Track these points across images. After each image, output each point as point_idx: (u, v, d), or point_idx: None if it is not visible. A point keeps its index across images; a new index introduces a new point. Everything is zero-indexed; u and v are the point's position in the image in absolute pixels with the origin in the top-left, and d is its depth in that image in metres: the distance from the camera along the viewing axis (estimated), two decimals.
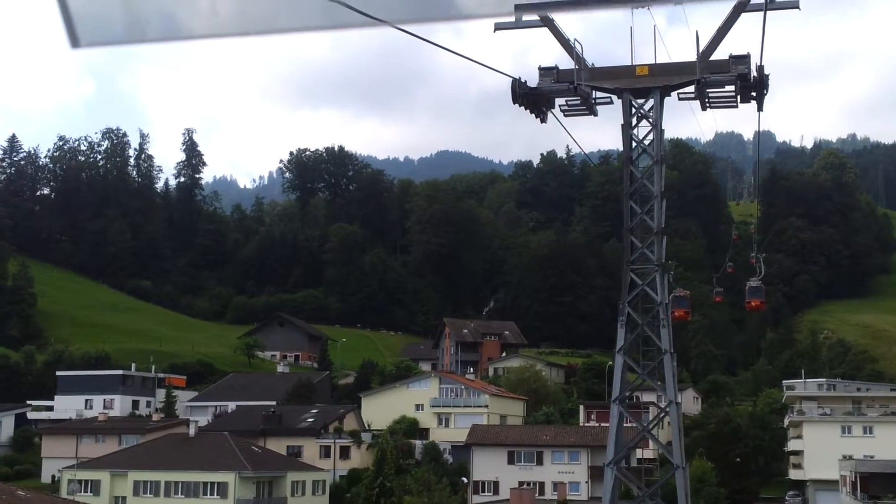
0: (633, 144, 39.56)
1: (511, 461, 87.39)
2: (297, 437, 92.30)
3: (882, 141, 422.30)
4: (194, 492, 72.69)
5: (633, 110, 38.44)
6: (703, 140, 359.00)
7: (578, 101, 38.01)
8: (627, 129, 38.83)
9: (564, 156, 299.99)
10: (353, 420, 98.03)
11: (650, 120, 38.40)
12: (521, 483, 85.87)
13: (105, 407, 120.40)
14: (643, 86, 37.40)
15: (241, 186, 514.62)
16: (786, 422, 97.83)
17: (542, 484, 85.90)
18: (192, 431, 78.89)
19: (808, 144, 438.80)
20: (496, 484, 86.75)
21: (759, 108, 37.39)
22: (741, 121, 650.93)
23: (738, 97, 36.90)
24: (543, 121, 37.43)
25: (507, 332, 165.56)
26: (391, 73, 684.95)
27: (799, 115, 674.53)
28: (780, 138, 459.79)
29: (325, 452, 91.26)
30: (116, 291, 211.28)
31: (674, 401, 37.04)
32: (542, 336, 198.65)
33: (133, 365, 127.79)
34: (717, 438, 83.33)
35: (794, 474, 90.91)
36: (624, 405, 42.25)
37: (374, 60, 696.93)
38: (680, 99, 38.23)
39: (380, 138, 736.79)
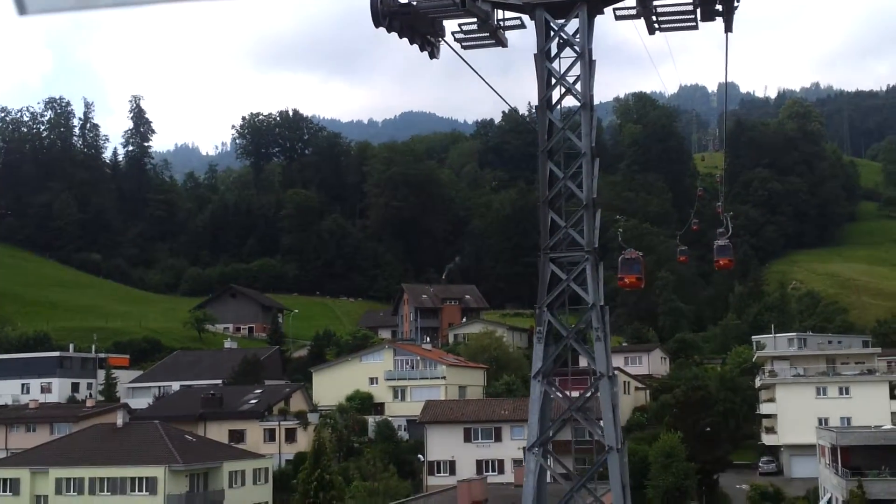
0: (552, 81, 29.26)
1: (468, 438, 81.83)
2: (240, 420, 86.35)
3: (845, 89, 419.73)
4: (121, 488, 66.69)
5: (552, 33, 28.47)
6: (667, 94, 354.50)
7: (475, 26, 27.76)
8: (542, 59, 28.84)
9: (527, 112, 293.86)
10: (301, 399, 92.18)
11: (575, 47, 28.46)
12: (478, 462, 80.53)
13: (42, 391, 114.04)
14: None
15: (203, 153, 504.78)
16: (757, 382, 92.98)
17: (500, 462, 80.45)
18: (119, 421, 72.69)
19: (773, 95, 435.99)
20: (452, 464, 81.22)
21: (728, 28, 27.69)
22: (705, 72, 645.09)
23: (698, 11, 27.17)
24: (433, 55, 28.10)
25: (467, 297, 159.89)
26: (354, 34, 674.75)
27: (762, 65, 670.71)
28: (743, 89, 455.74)
29: (270, 436, 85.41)
30: (64, 266, 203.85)
31: (605, 374, 29.33)
32: (506, 298, 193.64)
33: (71, 346, 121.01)
34: (686, 406, 78.38)
35: (767, 439, 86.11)
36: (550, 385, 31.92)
37: (337, 23, 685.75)
38: (618, 18, 28.22)
39: (345, 102, 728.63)
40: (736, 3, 26.72)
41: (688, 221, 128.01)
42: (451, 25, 28.21)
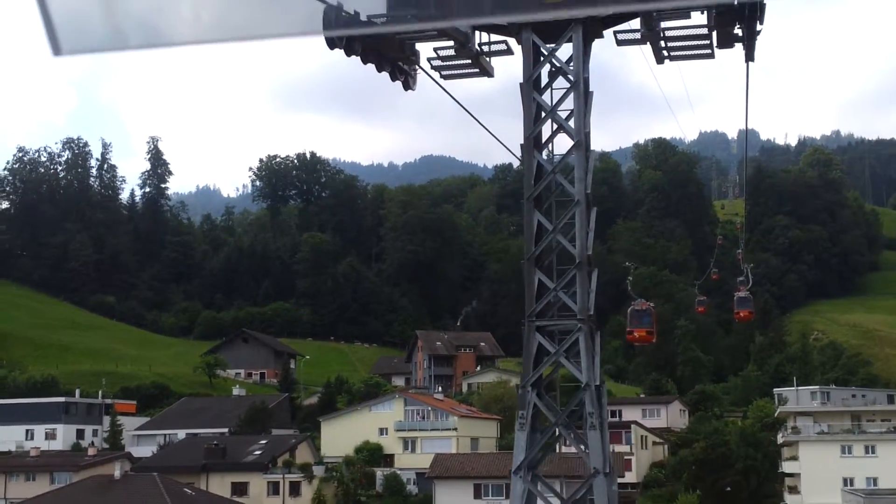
0: (542, 115, 25.08)
1: (478, 495, 78.82)
2: (243, 472, 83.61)
3: (867, 137, 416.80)
4: None
5: (541, 59, 24.24)
6: (686, 140, 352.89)
7: (453, 52, 23.17)
8: (529, 89, 24.34)
9: (545, 157, 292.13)
10: (308, 450, 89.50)
11: (569, 76, 24.26)
12: None
13: (47, 437, 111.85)
14: (555, 18, 22.24)
15: (225, 195, 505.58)
16: (779, 438, 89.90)
17: None
18: (118, 472, 70.30)
19: (793, 142, 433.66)
20: None
21: (749, 56, 22.93)
22: (725, 118, 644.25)
23: (714, 36, 22.66)
24: (408, 85, 23.60)
25: (482, 344, 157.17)
26: (375, 77, 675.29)
27: (782, 113, 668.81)
28: (764, 136, 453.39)
29: (275, 489, 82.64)
30: (78, 308, 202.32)
31: (601, 471, 25.19)
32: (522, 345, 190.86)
33: (77, 391, 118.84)
34: (706, 464, 75.27)
35: (790, 500, 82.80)
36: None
37: (358, 65, 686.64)
38: (620, 43, 24.16)
39: (365, 145, 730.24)
40: (759, 27, 21.82)
41: (707, 270, 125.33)
42: (427, 51, 23.78)
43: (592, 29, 23.93)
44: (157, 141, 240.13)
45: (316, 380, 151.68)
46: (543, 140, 25.81)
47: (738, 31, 22.24)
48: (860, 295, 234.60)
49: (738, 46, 23.07)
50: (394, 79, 22.82)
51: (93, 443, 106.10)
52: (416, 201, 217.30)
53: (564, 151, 25.69)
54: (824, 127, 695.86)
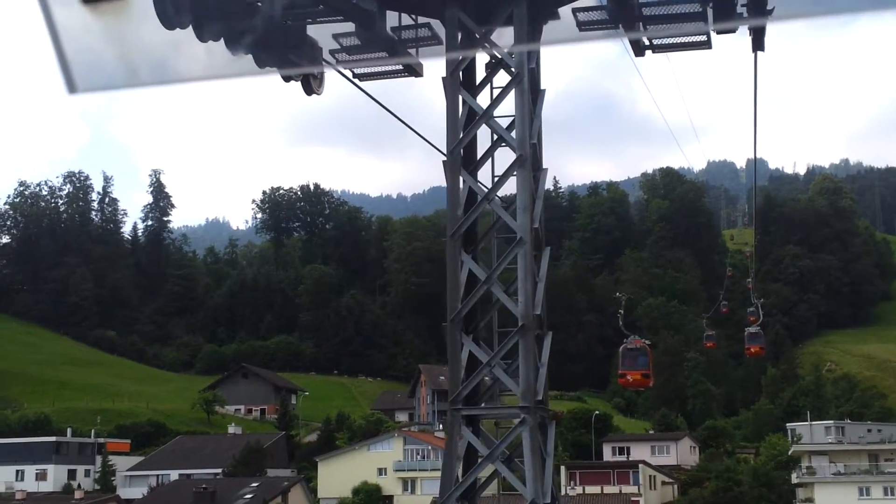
0: (476, 118, 18.56)
1: None
2: None
3: (876, 165, 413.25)
4: None
5: (470, 42, 17.50)
6: (694, 170, 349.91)
7: (360, 41, 15.92)
8: (454, 85, 18.01)
9: (551, 187, 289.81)
10: (301, 493, 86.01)
11: (511, 68, 18.27)
12: None
13: (38, 478, 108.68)
14: None
15: (234, 228, 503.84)
16: (794, 478, 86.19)
17: None
18: None
19: (802, 171, 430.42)
20: None
21: (757, 45, 16.44)
22: (734, 148, 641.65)
23: (710, 12, 15.25)
24: (310, 89, 16.00)
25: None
26: (381, 110, 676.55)
27: (791, 142, 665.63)
28: (772, 165, 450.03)
29: None
30: (79, 344, 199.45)
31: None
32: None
33: (69, 430, 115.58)
34: None
35: None
36: None
37: (365, 98, 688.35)
38: (582, 26, 16.78)
39: (374, 177, 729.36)
40: (768, 8, 13.83)
41: (717, 303, 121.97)
42: (326, 40, 15.88)
43: (541, 5, 17.35)
44: (160, 174, 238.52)
45: (318, 415, 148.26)
46: (478, 156, 19.37)
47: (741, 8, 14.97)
48: (873, 325, 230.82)
49: (742, 31, 16.53)
50: (287, 80, 15.91)
51: (79, 485, 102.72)
52: (420, 232, 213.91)
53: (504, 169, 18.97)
54: (833, 156, 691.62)
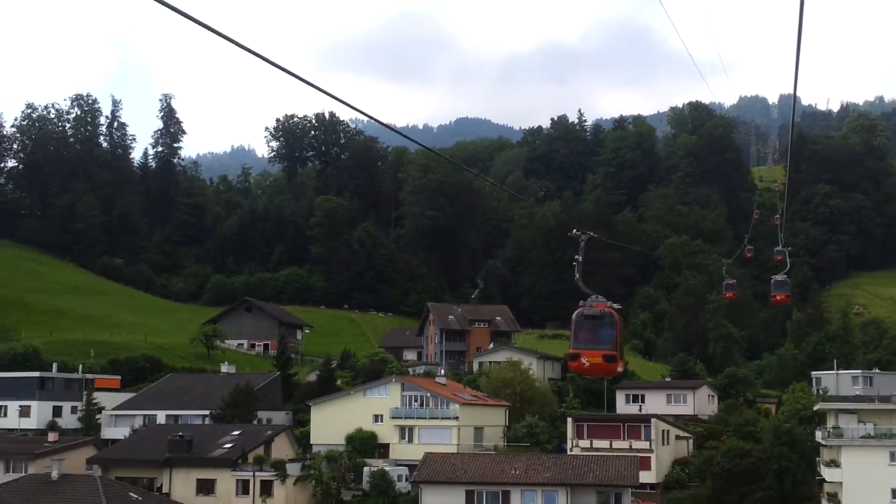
0: None
1: (470, 502, 69.47)
2: (210, 467, 73.99)
3: None
4: None
5: None
6: (725, 105, 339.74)
7: None
8: None
9: (576, 120, 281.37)
10: (286, 443, 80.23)
11: None
12: None
13: (21, 414, 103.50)
14: None
15: (260, 156, 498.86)
16: (818, 436, 79.55)
17: None
18: (55, 474, 61.44)
19: (835, 108, 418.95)
20: None
21: None
22: (766, 83, 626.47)
23: None
24: None
25: (498, 318, 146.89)
26: (411, 38, 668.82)
27: (824, 77, 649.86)
28: (805, 101, 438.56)
29: (244, 488, 73.45)
30: (84, 271, 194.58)
31: None
32: (546, 316, 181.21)
33: (55, 365, 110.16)
34: (733, 477, 65.22)
35: None
36: None
37: (395, 26, 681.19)
38: None
39: (403, 108, 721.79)
40: None
41: (742, 245, 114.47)
42: None
43: None
44: (171, 98, 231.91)
45: (325, 350, 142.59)
46: None
47: None
48: None
49: None
50: None
51: (55, 424, 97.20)
52: (436, 165, 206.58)
53: None
54: (867, 92, 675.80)
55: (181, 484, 73.90)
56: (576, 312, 22.75)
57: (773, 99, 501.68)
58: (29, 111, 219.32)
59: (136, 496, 60.79)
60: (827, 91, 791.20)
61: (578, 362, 22.35)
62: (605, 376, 25.92)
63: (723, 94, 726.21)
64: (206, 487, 73.89)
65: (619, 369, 23.03)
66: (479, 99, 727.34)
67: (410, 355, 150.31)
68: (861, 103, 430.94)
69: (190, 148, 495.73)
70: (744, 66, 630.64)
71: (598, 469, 70.09)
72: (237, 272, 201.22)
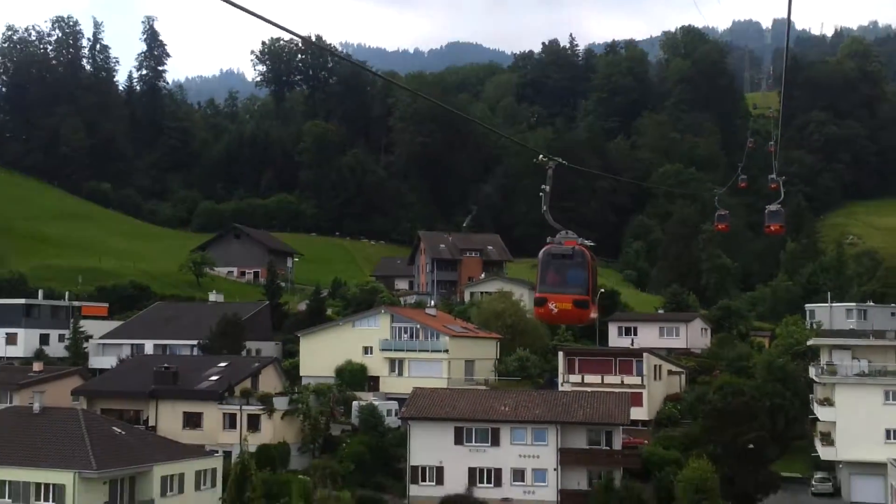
0: None
1: (459, 440, 68.09)
2: (196, 400, 73.15)
3: None
4: (24, 495, 54.56)
5: None
6: (718, 29, 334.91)
7: None
8: None
9: (567, 45, 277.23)
10: (274, 375, 79.19)
11: None
12: (471, 471, 67.11)
13: (7, 342, 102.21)
14: None
15: (250, 80, 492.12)
16: (811, 372, 78.77)
17: (497, 472, 67.01)
18: (36, 406, 60.27)
19: (829, 32, 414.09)
20: (440, 471, 67.54)
21: None
22: (759, 7, 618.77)
23: None
24: None
25: (490, 248, 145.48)
26: None
27: (818, 1, 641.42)
28: (799, 26, 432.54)
29: (231, 422, 72.64)
30: (71, 196, 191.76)
31: None
32: (539, 245, 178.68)
33: (40, 292, 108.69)
34: (725, 416, 64.46)
35: (823, 452, 71.97)
36: None
37: None
38: None
39: (393, 30, 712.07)
40: None
41: (735, 174, 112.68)
42: None
43: None
44: (153, 21, 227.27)
45: (316, 278, 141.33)
46: None
47: None
48: None
49: None
50: None
51: (41, 353, 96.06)
52: (426, 90, 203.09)
53: None
54: (861, 17, 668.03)
55: (168, 417, 73.01)
56: (542, 251, 19.81)
57: (766, 23, 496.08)
58: (10, 34, 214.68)
59: (119, 430, 59.46)
60: (821, 15, 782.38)
61: (545, 308, 19.33)
62: (575, 323, 21.97)
63: (716, 18, 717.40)
64: (192, 421, 73.02)
65: (592, 315, 20.01)
66: (470, 23, 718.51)
67: (402, 284, 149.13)
68: (855, 28, 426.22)
69: (178, 71, 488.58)
70: None
71: (588, 406, 69.21)
72: (226, 198, 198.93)
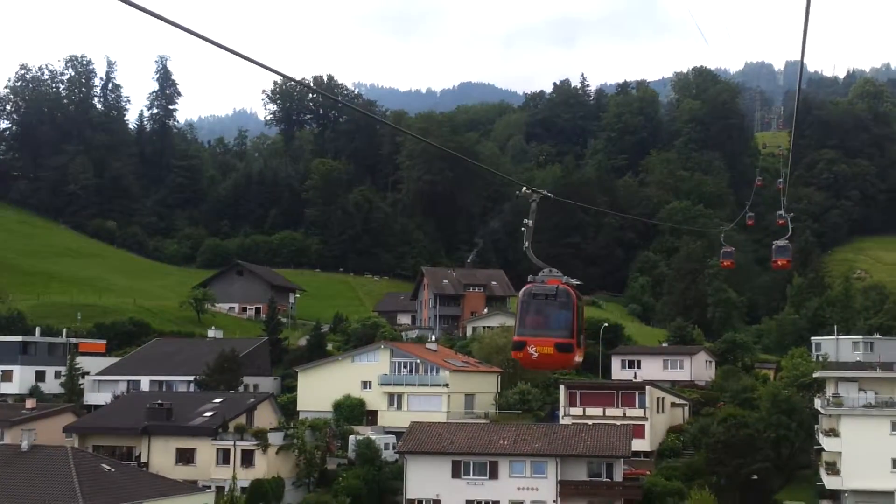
0: None
1: (457, 474, 66.74)
2: (190, 436, 71.96)
3: None
4: None
5: None
6: (730, 71, 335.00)
7: None
8: None
9: (579, 85, 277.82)
10: (270, 411, 77.93)
11: None
12: (468, 502, 65.73)
13: (3, 379, 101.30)
14: None
15: (262, 119, 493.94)
16: (817, 403, 77.27)
17: None
18: (25, 444, 59.16)
19: (841, 74, 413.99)
20: None
21: None
22: (772, 50, 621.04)
23: None
24: None
25: (493, 283, 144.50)
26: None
27: (831, 44, 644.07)
28: (811, 68, 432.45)
29: (224, 457, 71.33)
30: (77, 234, 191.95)
31: None
32: None
33: (38, 329, 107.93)
34: (729, 448, 62.93)
35: (828, 481, 70.41)
36: None
37: None
38: None
39: (405, 70, 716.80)
40: None
41: (743, 211, 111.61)
42: None
43: None
44: (166, 60, 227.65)
45: (319, 314, 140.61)
46: None
47: None
48: None
49: None
50: None
51: (36, 390, 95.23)
52: (435, 128, 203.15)
53: None
54: (874, 59, 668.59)
55: (160, 453, 71.84)
56: (522, 290, 18.10)
57: (778, 66, 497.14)
58: (23, 72, 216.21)
59: (108, 467, 58.30)
60: (833, 58, 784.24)
61: (524, 352, 17.40)
62: (557, 368, 18.98)
63: (728, 60, 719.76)
64: (185, 457, 71.83)
65: (577, 360, 18.16)
66: (484, 64, 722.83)
67: (405, 319, 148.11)
68: (867, 70, 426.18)
69: (192, 111, 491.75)
70: (750, 31, 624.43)
71: (589, 439, 67.89)
72: (231, 235, 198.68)
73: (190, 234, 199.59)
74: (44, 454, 58.66)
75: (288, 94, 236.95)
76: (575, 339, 17.36)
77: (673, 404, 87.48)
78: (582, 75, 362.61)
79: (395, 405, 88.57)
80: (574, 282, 18.01)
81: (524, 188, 18.52)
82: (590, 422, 75.88)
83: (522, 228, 17.86)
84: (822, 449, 74.07)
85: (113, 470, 58.57)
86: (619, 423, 74.85)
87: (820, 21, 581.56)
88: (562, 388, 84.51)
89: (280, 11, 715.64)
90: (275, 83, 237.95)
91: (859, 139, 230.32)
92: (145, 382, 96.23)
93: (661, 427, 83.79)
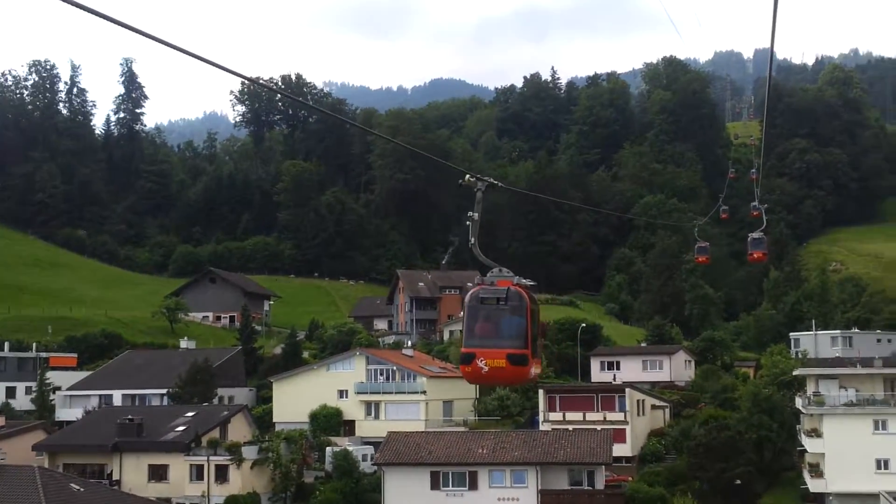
0: None
1: (436, 485, 65.56)
2: (162, 452, 70.44)
3: (887, 55, 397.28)
4: None
5: None
6: (700, 60, 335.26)
7: None
8: None
9: (549, 78, 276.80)
10: (244, 423, 76.47)
11: None
12: None
13: None
14: None
15: (232, 121, 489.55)
16: (798, 402, 76.52)
17: None
18: None
19: (810, 61, 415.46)
20: None
21: None
22: (741, 38, 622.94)
23: None
24: None
25: (469, 284, 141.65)
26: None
27: (799, 31, 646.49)
28: (780, 55, 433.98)
29: (198, 473, 69.89)
30: (45, 244, 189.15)
31: None
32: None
33: (7, 344, 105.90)
34: (710, 452, 62.13)
35: (812, 484, 69.58)
36: None
37: None
38: None
39: (376, 69, 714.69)
40: None
41: (717, 205, 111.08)
42: None
43: None
44: (132, 63, 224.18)
45: (294, 321, 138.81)
46: None
47: None
48: (881, 222, 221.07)
49: None
50: None
51: (7, 407, 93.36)
52: (406, 126, 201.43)
53: None
54: (842, 45, 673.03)
55: (132, 470, 70.25)
56: (468, 294, 16.25)
57: (748, 54, 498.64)
58: None
59: (77, 487, 56.73)
60: (802, 45, 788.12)
61: (472, 366, 15.36)
62: (511, 384, 16.56)
63: (698, 49, 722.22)
64: (158, 473, 70.28)
65: (534, 372, 16.19)
66: (454, 60, 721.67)
67: (381, 324, 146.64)
68: (836, 56, 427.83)
69: (161, 115, 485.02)
70: (719, 20, 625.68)
71: (569, 446, 66.73)
72: (204, 241, 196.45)
73: (161, 241, 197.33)
74: (10, 474, 56.94)
75: (257, 95, 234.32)
76: (529, 350, 15.40)
77: (653, 406, 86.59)
78: (552, 69, 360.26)
79: (373, 414, 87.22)
80: (527, 282, 16.16)
81: (468, 176, 16.27)
82: (570, 427, 74.89)
83: (467, 222, 16.05)
84: (805, 450, 73.30)
85: (82, 489, 56.97)
86: (599, 427, 73.83)
87: (788, 7, 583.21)
88: (541, 392, 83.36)
89: (249, 10, 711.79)
90: (243, 84, 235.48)
91: (830, 126, 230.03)
92: (117, 396, 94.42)
93: (642, 431, 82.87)
